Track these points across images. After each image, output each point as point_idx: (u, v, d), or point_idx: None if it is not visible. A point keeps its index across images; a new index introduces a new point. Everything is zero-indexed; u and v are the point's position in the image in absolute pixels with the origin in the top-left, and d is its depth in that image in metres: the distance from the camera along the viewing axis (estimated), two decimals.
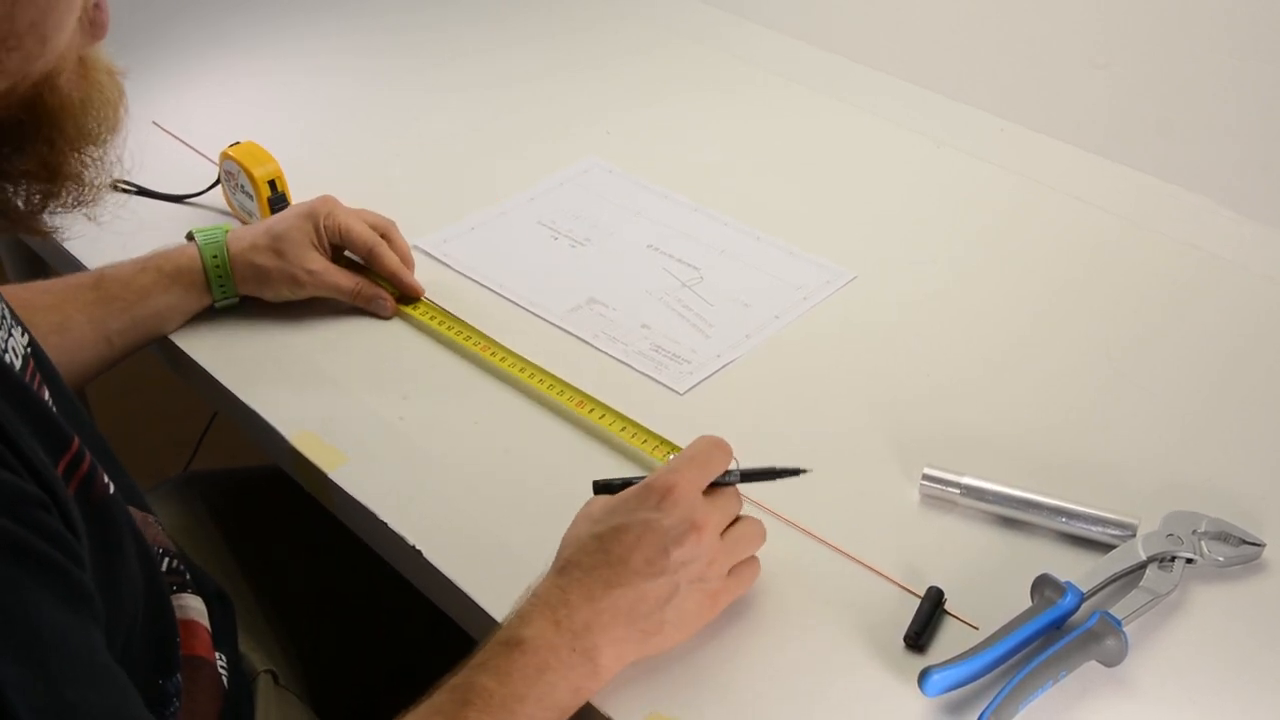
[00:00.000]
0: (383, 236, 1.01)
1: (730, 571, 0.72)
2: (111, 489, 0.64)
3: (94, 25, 0.58)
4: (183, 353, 0.96)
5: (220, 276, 0.96)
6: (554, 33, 1.44)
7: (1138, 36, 1.17)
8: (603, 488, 0.76)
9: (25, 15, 0.53)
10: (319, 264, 0.97)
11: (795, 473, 0.76)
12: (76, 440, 0.61)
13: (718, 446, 0.75)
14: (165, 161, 1.18)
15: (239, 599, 0.92)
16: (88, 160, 0.61)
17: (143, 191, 1.12)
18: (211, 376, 0.94)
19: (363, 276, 0.99)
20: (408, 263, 1.02)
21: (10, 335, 0.65)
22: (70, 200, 0.61)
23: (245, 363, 0.95)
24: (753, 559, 0.75)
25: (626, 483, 0.75)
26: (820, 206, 1.15)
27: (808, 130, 1.27)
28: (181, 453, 1.38)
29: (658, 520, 0.70)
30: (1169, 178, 1.16)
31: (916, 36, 1.34)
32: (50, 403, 0.66)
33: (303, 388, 0.93)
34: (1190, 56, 1.14)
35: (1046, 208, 1.14)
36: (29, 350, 0.67)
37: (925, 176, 1.19)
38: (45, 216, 0.61)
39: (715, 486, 0.74)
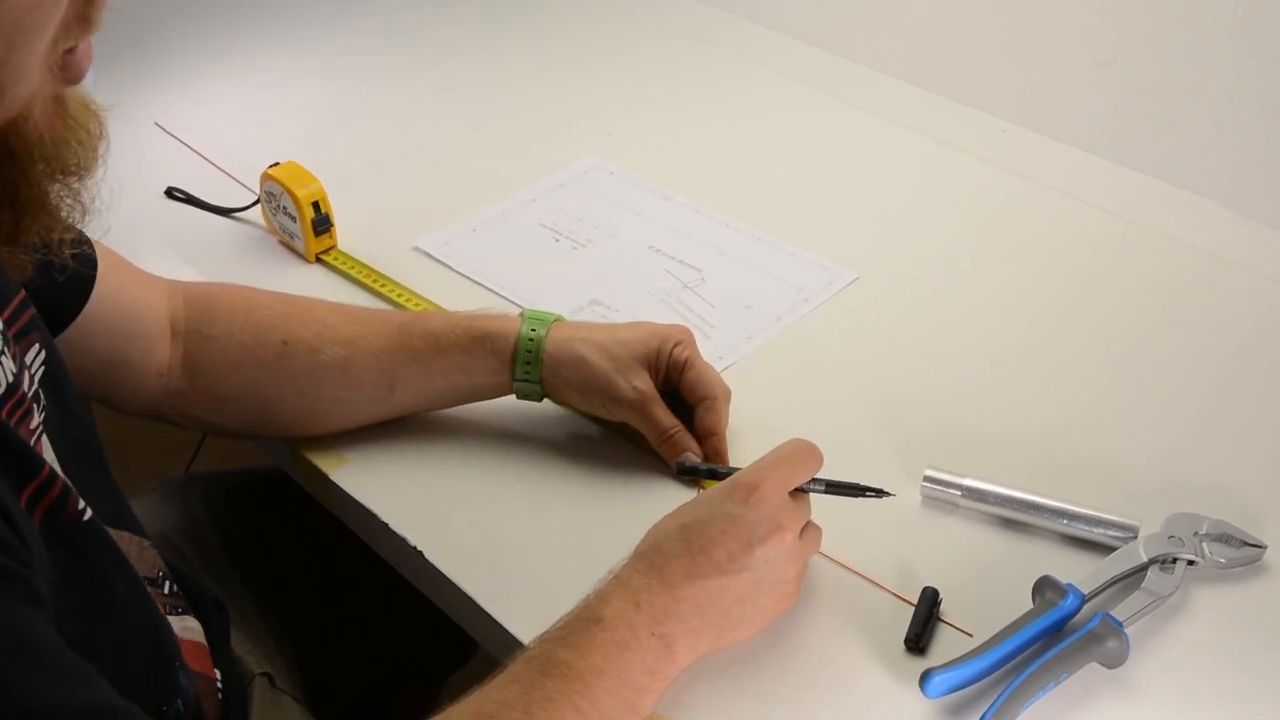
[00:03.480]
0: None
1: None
2: (87, 515, 0.63)
3: (66, 70, 0.56)
4: None
5: (528, 355, 0.84)
6: (554, 32, 1.44)
7: (1139, 37, 1.17)
8: (689, 469, 0.79)
9: None
10: (649, 386, 0.84)
11: (880, 494, 0.77)
12: (47, 468, 0.60)
13: (810, 453, 0.75)
14: (167, 163, 1.18)
15: (238, 601, 0.92)
16: (61, 195, 0.59)
17: (191, 201, 1.12)
18: None
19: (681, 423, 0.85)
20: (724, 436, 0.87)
21: None
22: (38, 235, 0.60)
23: None
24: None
25: (712, 470, 0.77)
26: (822, 207, 1.15)
27: (809, 131, 1.27)
28: (182, 454, 1.38)
29: (742, 516, 0.70)
30: (1170, 178, 1.16)
31: (918, 37, 1.34)
32: (38, 428, 0.65)
33: None
34: (1191, 57, 1.14)
35: (1047, 208, 1.14)
36: (19, 375, 0.65)
37: (926, 177, 1.19)
38: (13, 251, 0.59)
39: (796, 491, 0.74)
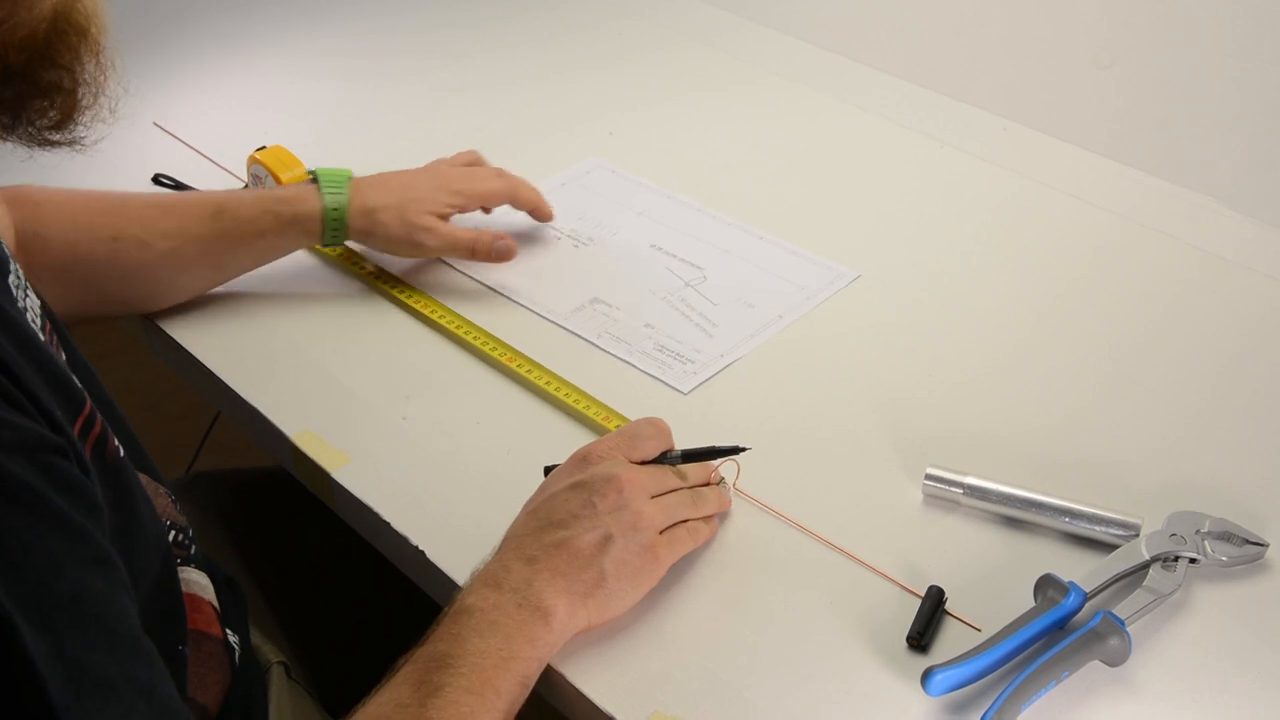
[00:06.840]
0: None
1: (664, 532, 0.74)
2: (121, 452, 0.65)
3: None
4: (186, 351, 0.96)
5: (336, 227, 0.97)
6: (556, 33, 1.44)
7: (1140, 37, 1.17)
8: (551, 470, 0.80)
9: None
10: (436, 224, 0.99)
11: (735, 450, 0.80)
12: (89, 402, 0.62)
13: (651, 424, 0.79)
14: (167, 164, 1.18)
15: (250, 594, 0.92)
16: (103, 67, 0.63)
17: (179, 187, 1.13)
18: (214, 375, 0.94)
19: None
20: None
21: (28, 296, 0.66)
22: (85, 109, 0.63)
23: (248, 361, 0.95)
24: (693, 524, 0.76)
25: None
26: (823, 206, 1.15)
27: (810, 130, 1.27)
28: (183, 455, 1.38)
29: (579, 479, 0.74)
30: (1171, 178, 1.16)
31: (919, 36, 1.34)
32: (65, 362, 0.67)
33: (305, 387, 0.93)
34: (1193, 57, 1.14)
35: (1049, 208, 1.14)
36: (43, 311, 0.68)
37: (928, 176, 1.19)
38: (69, 129, 0.63)
39: (656, 462, 0.78)
